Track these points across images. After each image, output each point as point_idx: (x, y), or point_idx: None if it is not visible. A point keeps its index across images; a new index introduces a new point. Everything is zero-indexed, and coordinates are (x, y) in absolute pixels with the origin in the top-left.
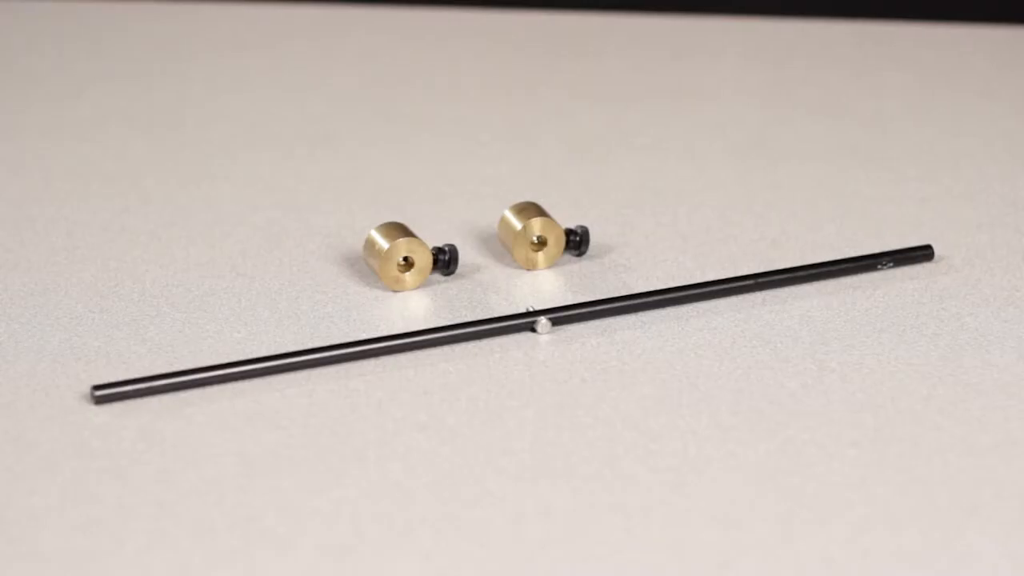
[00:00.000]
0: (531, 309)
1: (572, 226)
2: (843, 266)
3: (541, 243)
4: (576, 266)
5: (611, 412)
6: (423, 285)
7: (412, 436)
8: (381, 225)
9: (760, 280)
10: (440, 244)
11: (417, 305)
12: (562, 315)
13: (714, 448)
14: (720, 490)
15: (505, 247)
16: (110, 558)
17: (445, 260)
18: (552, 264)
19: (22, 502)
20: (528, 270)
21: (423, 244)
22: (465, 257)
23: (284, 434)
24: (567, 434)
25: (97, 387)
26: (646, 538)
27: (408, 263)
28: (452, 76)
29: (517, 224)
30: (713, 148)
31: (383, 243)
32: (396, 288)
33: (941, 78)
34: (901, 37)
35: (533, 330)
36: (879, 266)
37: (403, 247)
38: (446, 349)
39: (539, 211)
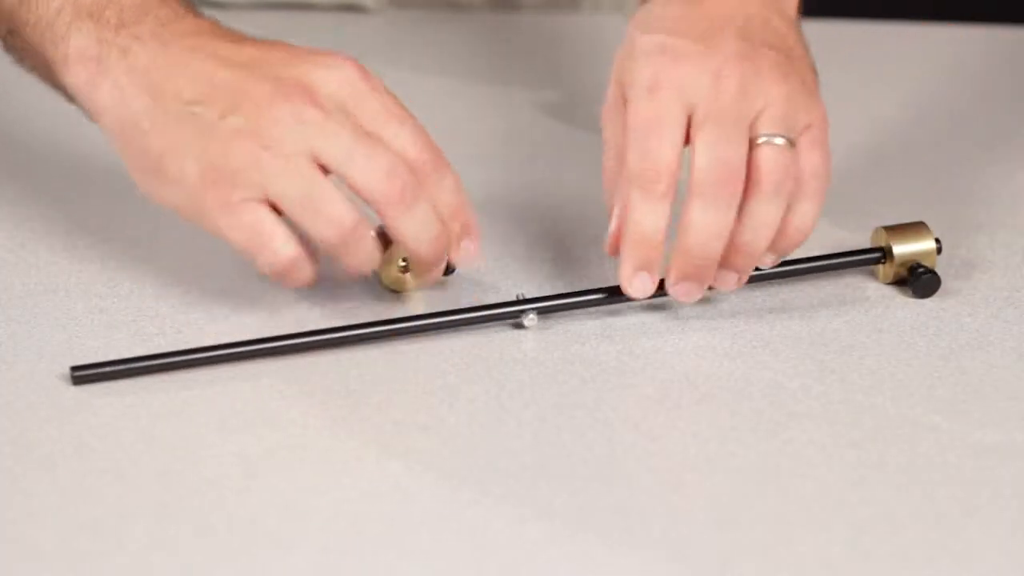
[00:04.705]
0: (521, 297)
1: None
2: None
3: None
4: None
5: (611, 412)
6: (423, 286)
7: (412, 436)
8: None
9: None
10: None
11: (417, 306)
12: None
13: (714, 448)
14: (720, 490)
15: None
16: (110, 558)
17: None
18: None
19: (21, 502)
20: None
21: None
22: None
23: (284, 434)
24: (567, 434)
25: (76, 368)
26: (646, 538)
27: (409, 264)
28: (451, 76)
29: None
30: None
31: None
32: (397, 289)
33: (941, 78)
34: (902, 37)
35: (521, 326)
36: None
37: (404, 248)
38: (446, 350)
39: None
